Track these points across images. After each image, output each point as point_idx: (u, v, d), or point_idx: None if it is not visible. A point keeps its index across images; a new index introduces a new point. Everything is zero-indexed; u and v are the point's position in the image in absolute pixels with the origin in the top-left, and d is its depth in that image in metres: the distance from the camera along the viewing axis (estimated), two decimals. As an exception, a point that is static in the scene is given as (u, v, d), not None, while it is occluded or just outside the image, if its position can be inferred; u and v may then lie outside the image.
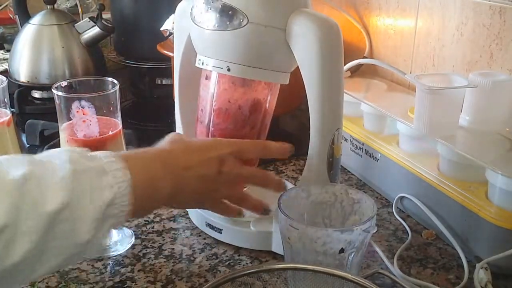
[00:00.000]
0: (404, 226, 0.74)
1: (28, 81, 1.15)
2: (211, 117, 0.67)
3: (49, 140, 0.89)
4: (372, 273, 0.58)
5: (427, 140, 0.74)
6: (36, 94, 1.19)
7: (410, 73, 0.91)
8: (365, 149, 0.84)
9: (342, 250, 0.53)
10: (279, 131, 1.04)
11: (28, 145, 0.97)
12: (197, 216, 0.73)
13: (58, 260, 0.45)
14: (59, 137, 0.66)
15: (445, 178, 0.69)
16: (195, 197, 0.59)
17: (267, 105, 0.68)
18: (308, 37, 0.59)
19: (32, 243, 0.42)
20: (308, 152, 0.64)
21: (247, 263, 0.67)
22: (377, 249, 0.68)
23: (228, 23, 0.60)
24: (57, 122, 0.68)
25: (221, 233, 0.70)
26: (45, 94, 1.18)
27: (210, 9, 0.61)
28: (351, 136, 0.87)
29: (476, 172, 0.66)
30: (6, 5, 1.44)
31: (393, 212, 0.77)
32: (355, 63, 0.91)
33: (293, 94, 0.80)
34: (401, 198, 0.77)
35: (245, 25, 0.60)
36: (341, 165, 0.92)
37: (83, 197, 0.45)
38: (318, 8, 1.11)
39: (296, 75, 0.64)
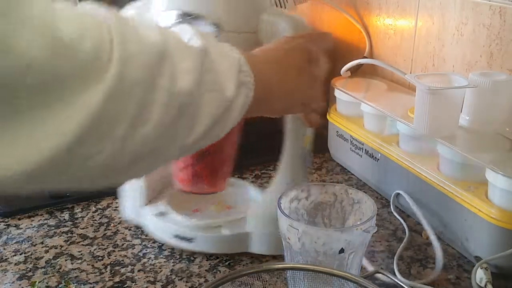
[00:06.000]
0: (404, 226, 0.74)
1: (28, 81, 1.15)
2: None
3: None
4: (372, 273, 0.58)
5: (427, 140, 0.74)
6: (36, 94, 1.19)
7: (410, 73, 0.91)
8: (365, 149, 0.84)
9: (342, 250, 0.53)
10: (277, 130, 1.04)
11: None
12: (163, 230, 0.70)
13: (208, 121, 0.44)
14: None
15: (445, 178, 0.69)
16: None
17: None
18: (279, 35, 0.61)
19: (190, 84, 0.41)
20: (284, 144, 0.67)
21: (247, 263, 0.67)
22: (377, 249, 0.68)
23: None
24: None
25: (192, 242, 0.68)
26: (45, 94, 1.19)
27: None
28: (351, 136, 0.87)
29: (476, 172, 0.66)
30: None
31: (393, 212, 0.77)
32: (355, 63, 0.91)
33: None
34: (398, 196, 0.77)
35: (220, 35, 0.61)
36: (341, 165, 0.93)
37: (219, 55, 0.46)
38: (318, 8, 1.11)
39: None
